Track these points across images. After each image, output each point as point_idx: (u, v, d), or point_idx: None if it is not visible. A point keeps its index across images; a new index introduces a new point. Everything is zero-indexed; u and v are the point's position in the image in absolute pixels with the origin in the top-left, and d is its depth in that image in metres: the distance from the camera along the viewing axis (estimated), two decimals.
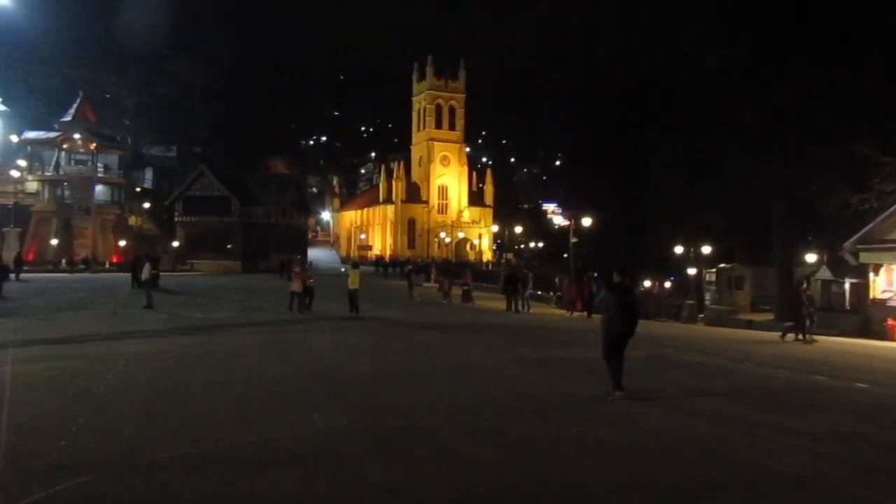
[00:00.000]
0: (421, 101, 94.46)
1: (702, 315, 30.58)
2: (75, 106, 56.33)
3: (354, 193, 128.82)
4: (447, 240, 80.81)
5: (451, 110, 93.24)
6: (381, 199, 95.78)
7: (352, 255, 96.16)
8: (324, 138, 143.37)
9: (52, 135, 55.45)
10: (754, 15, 28.66)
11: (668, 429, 7.13)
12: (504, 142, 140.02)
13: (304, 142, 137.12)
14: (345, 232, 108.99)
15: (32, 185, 55.69)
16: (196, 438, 6.20)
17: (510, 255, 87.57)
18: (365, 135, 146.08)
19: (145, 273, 21.14)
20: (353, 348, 12.86)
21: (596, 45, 68.28)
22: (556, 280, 34.36)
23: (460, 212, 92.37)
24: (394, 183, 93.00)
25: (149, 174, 74.42)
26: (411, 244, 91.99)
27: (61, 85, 61.07)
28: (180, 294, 26.93)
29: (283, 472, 5.39)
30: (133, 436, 6.31)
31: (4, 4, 32.86)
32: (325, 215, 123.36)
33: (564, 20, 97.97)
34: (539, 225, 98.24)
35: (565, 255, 43.32)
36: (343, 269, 19.95)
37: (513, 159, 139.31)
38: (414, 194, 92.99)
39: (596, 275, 24.44)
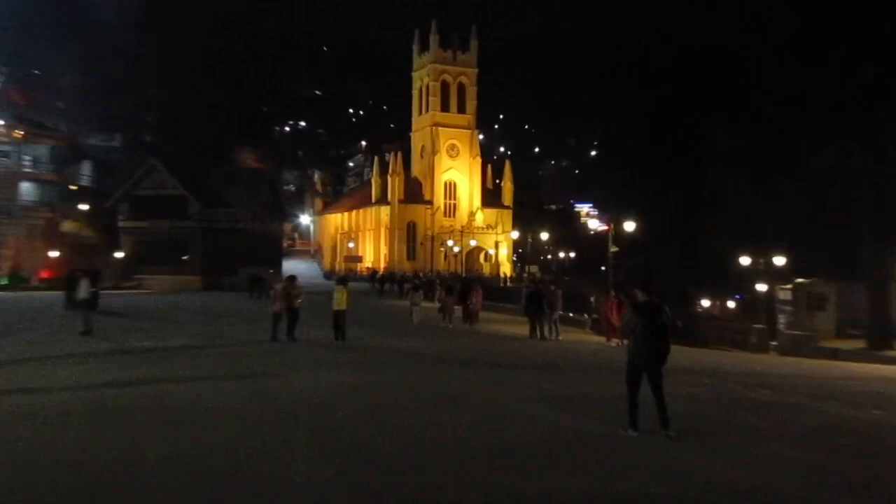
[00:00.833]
0: (423, 77, 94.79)
1: (774, 342, 30.44)
2: None
3: (341, 192, 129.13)
4: (456, 249, 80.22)
5: (461, 89, 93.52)
6: (373, 199, 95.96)
7: (338, 267, 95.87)
8: (303, 124, 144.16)
9: None
10: None
11: (733, 483, 7.11)
12: (526, 127, 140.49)
13: (278, 129, 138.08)
14: (329, 239, 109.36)
15: None
16: None
17: (534, 269, 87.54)
18: (354, 119, 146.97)
19: (82, 291, 21.24)
20: (358, 395, 12.30)
21: (643, 9, 68.63)
22: (592, 299, 34.27)
23: (472, 214, 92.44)
24: (389, 179, 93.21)
25: (88, 169, 74.85)
26: (411, 254, 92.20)
27: None
28: (126, 317, 27.03)
29: None
30: None
31: None
32: (305, 219, 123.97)
33: None
34: (570, 230, 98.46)
35: (603, 268, 43.26)
36: (338, 288, 19.96)
37: (537, 149, 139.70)
38: (414, 193, 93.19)
39: (614, 293, 24.33)
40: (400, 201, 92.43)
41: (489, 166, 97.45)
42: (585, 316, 32.58)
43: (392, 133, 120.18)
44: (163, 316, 28.63)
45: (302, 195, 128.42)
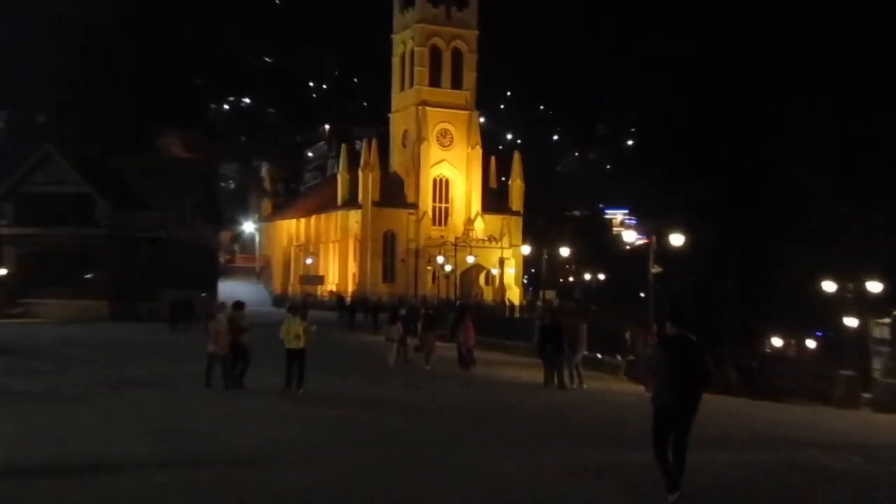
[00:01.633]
0: (406, 40, 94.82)
1: (868, 394, 30.43)
2: None
3: (297, 191, 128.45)
4: (448, 268, 79.79)
5: (456, 56, 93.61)
6: (339, 201, 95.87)
7: (291, 290, 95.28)
8: (247, 101, 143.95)
9: None
10: None
11: None
12: (541, 108, 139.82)
13: (215, 106, 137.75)
14: (280, 254, 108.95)
15: None
16: None
17: (551, 294, 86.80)
18: (315, 95, 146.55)
19: None
20: (316, 459, 12.26)
21: None
22: (627, 335, 34.22)
23: (469, 222, 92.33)
24: (361, 174, 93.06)
25: None
26: (388, 274, 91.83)
27: None
28: (9, 355, 26.87)
29: None
30: None
31: None
32: (249, 226, 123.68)
33: None
34: (599, 244, 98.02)
35: (642, 295, 42.99)
36: (292, 319, 19.98)
37: (556, 137, 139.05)
38: (394, 193, 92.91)
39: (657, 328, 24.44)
40: (374, 204, 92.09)
41: (493, 159, 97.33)
42: (618, 357, 32.53)
43: (365, 114, 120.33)
44: (59, 353, 28.43)
45: (245, 194, 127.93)
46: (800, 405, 28.07)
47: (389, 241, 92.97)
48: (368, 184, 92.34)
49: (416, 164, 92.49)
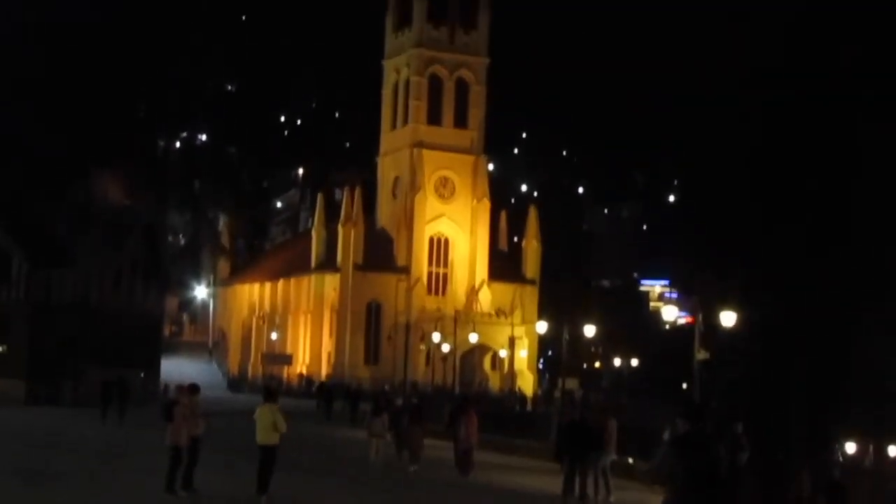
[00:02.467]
0: (401, 67, 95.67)
1: None
2: None
3: (261, 249, 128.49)
4: (445, 348, 79.77)
5: (461, 88, 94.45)
6: (313, 263, 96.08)
7: (252, 371, 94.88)
8: (203, 138, 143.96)
9: None
10: None
11: None
12: (564, 154, 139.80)
13: (163, 143, 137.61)
14: (238, 326, 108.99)
15: None
16: None
17: (573, 383, 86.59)
18: (286, 132, 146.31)
19: None
20: None
21: None
22: (665, 434, 34.32)
23: (474, 291, 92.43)
24: (341, 231, 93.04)
25: None
26: (371, 355, 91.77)
27: None
28: None
29: None
30: None
31: None
32: (201, 291, 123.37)
33: None
34: (632, 322, 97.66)
35: (685, 386, 42.73)
36: (265, 407, 20.19)
37: (581, 190, 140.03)
38: (381, 255, 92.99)
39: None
40: (356, 267, 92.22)
41: (503, 214, 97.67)
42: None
43: (347, 156, 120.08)
44: None
45: (197, 252, 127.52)
46: None
47: (374, 313, 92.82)
48: (350, 242, 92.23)
49: (408, 219, 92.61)
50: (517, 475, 30.24)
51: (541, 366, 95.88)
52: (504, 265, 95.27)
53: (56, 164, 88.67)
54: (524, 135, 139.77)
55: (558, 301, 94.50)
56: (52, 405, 49.86)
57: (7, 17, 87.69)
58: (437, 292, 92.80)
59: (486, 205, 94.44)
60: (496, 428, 42.02)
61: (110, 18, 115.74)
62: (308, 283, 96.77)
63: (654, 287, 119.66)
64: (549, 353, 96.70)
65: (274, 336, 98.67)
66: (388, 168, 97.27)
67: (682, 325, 79.50)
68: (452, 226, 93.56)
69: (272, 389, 24.52)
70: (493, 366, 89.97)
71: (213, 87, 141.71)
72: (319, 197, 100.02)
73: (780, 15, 74.84)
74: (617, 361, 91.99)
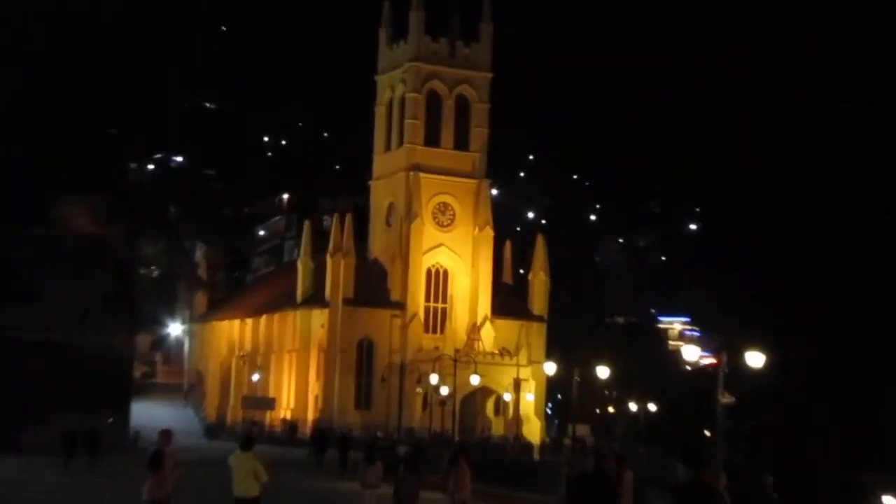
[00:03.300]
0: (395, 84, 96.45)
1: None
2: None
3: (242, 281, 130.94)
4: (444, 391, 79.66)
5: (462, 106, 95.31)
6: (299, 298, 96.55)
7: (231, 416, 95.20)
8: (179, 159, 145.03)
9: None
10: None
11: None
12: (575, 178, 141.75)
13: (135, 165, 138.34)
14: (217, 366, 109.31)
15: None
16: None
17: (584, 430, 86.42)
18: (270, 154, 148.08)
19: None
20: None
21: None
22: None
23: (475, 328, 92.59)
24: (330, 262, 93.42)
25: None
26: (363, 399, 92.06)
27: None
28: None
29: None
30: None
31: None
32: (175, 328, 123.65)
33: None
34: (649, 363, 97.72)
35: (707, 433, 42.68)
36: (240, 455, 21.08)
37: (593, 217, 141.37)
38: (373, 287, 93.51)
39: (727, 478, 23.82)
40: (346, 302, 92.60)
41: (508, 244, 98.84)
42: None
43: (336, 181, 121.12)
44: None
45: (172, 285, 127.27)
46: None
47: (365, 352, 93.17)
48: (339, 274, 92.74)
49: (404, 250, 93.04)
50: None
51: (549, 411, 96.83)
52: (509, 300, 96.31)
53: (19, 192, 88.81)
54: (530, 157, 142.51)
55: (568, 339, 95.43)
56: (9, 453, 49.97)
57: None
58: (434, 330, 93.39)
59: (488, 234, 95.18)
60: (497, 479, 43.25)
61: (76, 34, 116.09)
62: (293, 319, 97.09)
63: (674, 324, 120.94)
64: (559, 396, 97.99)
65: (255, 377, 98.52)
66: (381, 193, 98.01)
67: (705, 367, 78.97)
68: (452, 256, 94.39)
69: (251, 436, 25.96)
70: (497, 411, 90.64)
71: (190, 104, 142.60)
72: (306, 225, 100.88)
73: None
74: (633, 406, 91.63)
